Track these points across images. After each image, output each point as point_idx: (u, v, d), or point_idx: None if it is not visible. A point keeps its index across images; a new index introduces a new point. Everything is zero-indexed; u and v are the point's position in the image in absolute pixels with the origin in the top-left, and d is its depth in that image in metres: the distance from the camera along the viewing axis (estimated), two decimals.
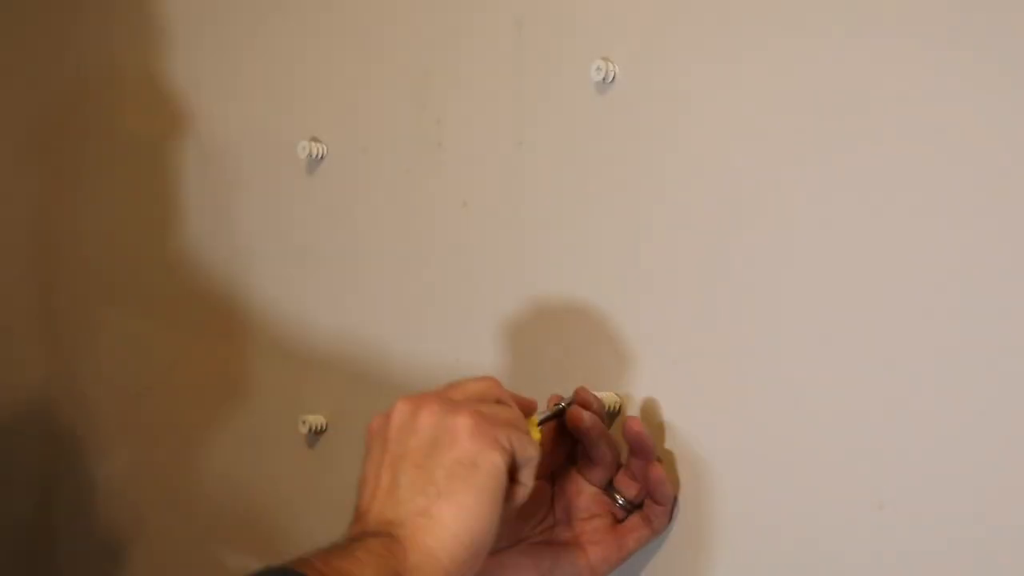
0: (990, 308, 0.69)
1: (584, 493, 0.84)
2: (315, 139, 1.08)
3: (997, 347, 0.68)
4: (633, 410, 0.86)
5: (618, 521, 0.83)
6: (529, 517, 0.83)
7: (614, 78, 0.87)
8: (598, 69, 0.87)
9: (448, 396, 0.74)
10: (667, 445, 0.84)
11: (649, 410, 0.85)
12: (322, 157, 1.08)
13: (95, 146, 1.37)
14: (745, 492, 0.80)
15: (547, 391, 0.89)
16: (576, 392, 0.83)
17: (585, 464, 0.84)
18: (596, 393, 0.84)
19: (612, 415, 0.86)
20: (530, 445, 0.73)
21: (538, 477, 0.76)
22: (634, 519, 0.83)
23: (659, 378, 0.85)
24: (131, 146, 1.32)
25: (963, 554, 0.70)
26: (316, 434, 1.10)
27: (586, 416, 0.81)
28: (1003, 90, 0.68)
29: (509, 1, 0.95)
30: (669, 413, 0.84)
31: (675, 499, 0.83)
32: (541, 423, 0.80)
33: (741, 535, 0.80)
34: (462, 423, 0.71)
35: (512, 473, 0.72)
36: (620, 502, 0.83)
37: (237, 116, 1.19)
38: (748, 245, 0.80)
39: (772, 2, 0.79)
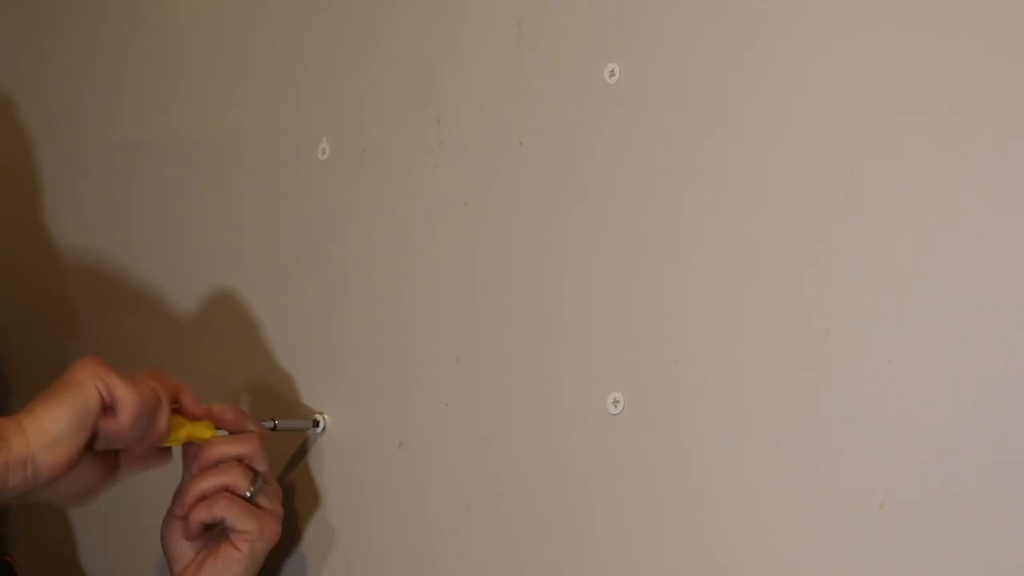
0: (991, 308, 0.69)
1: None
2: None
3: (997, 346, 0.68)
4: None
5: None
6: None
7: (617, 77, 0.87)
8: (600, 68, 0.87)
9: None
10: (663, 444, 0.84)
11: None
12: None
13: (96, 146, 1.37)
14: (744, 491, 0.80)
15: (547, 391, 0.89)
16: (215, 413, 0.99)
17: None
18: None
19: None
20: (123, 386, 0.89)
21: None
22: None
23: (659, 378, 0.84)
24: (132, 148, 1.32)
25: (963, 554, 0.69)
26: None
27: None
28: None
29: (510, 0, 0.95)
30: (668, 413, 0.84)
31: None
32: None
33: (739, 534, 0.80)
34: (88, 363, 0.90)
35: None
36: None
37: (238, 116, 1.19)
38: (749, 244, 0.80)
39: (775, 2, 0.79)
